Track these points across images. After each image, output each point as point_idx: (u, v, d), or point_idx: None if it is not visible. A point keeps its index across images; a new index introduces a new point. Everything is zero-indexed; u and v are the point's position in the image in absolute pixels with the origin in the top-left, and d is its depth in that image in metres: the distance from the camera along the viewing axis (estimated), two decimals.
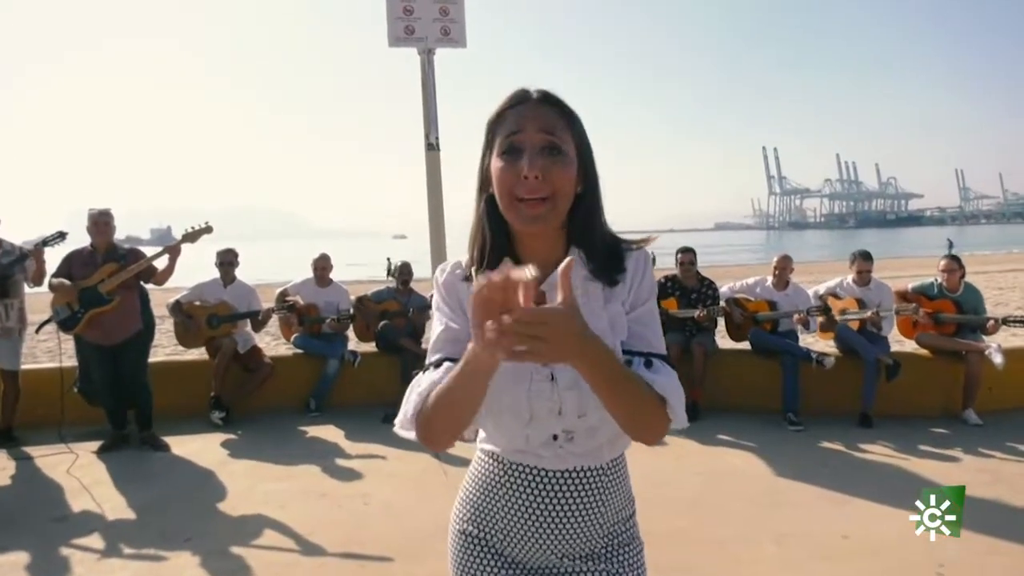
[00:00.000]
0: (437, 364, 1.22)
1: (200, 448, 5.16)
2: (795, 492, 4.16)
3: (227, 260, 6.11)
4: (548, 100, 1.18)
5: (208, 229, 5.24)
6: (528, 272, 0.88)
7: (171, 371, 6.14)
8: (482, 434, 1.32)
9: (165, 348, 9.78)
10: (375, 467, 4.72)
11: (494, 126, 1.19)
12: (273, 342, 9.93)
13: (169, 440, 5.20)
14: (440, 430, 1.15)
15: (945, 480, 4.25)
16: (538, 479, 1.24)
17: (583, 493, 1.25)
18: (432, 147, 7.69)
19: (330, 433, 5.50)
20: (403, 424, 1.19)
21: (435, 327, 1.27)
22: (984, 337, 5.55)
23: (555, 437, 1.21)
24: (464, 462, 4.82)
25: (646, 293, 1.24)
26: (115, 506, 4.11)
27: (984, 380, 5.41)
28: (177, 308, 5.96)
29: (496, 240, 1.21)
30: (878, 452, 4.85)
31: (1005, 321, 5.42)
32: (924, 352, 5.82)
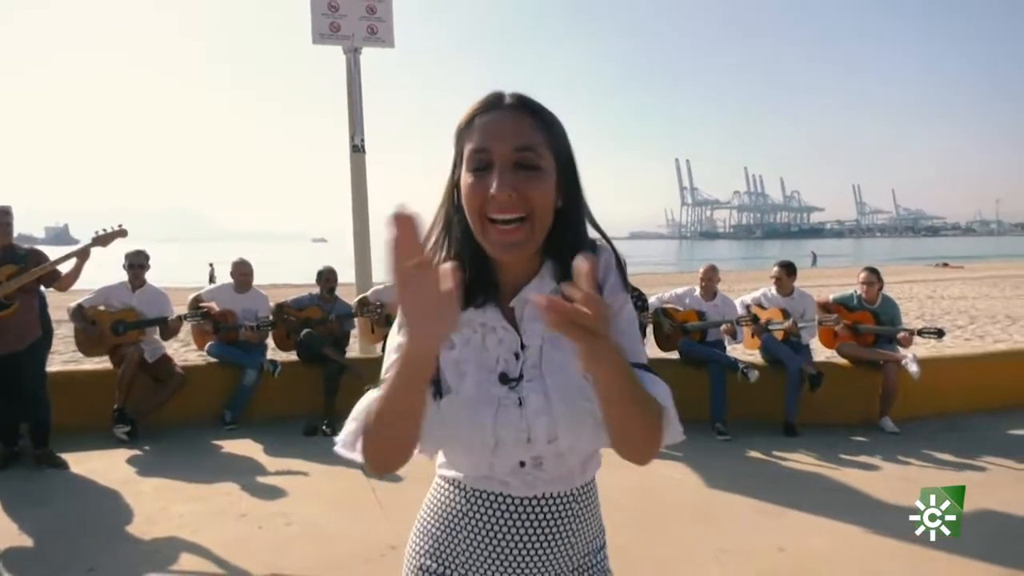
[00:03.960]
0: None
1: (103, 466, 4.76)
2: (729, 505, 4.16)
3: (137, 263, 5.69)
4: (523, 106, 1.05)
5: (122, 232, 4.88)
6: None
7: (69, 381, 5.67)
8: (441, 458, 1.20)
9: (62, 355, 9.14)
10: (297, 484, 4.46)
11: (463, 135, 1.06)
12: (182, 348, 9.42)
13: (67, 457, 4.77)
14: (381, 446, 1.02)
15: (871, 490, 4.34)
16: (504, 507, 1.13)
17: (553, 521, 1.14)
18: (357, 149, 7.45)
19: (248, 448, 5.18)
20: (345, 444, 1.06)
21: (393, 340, 1.12)
22: (900, 348, 5.75)
23: (522, 464, 1.11)
24: (394, 478, 4.56)
25: (618, 298, 1.12)
26: (5, 533, 3.71)
27: (900, 389, 5.59)
28: (79, 313, 5.50)
29: (476, 259, 1.09)
30: (804, 461, 4.94)
31: (920, 332, 5.63)
32: (843, 362, 5.99)
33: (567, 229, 1.09)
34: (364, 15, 7.35)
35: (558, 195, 1.07)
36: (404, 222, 0.81)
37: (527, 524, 1.13)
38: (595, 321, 0.82)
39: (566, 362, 1.06)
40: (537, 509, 1.13)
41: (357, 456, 1.05)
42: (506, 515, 1.13)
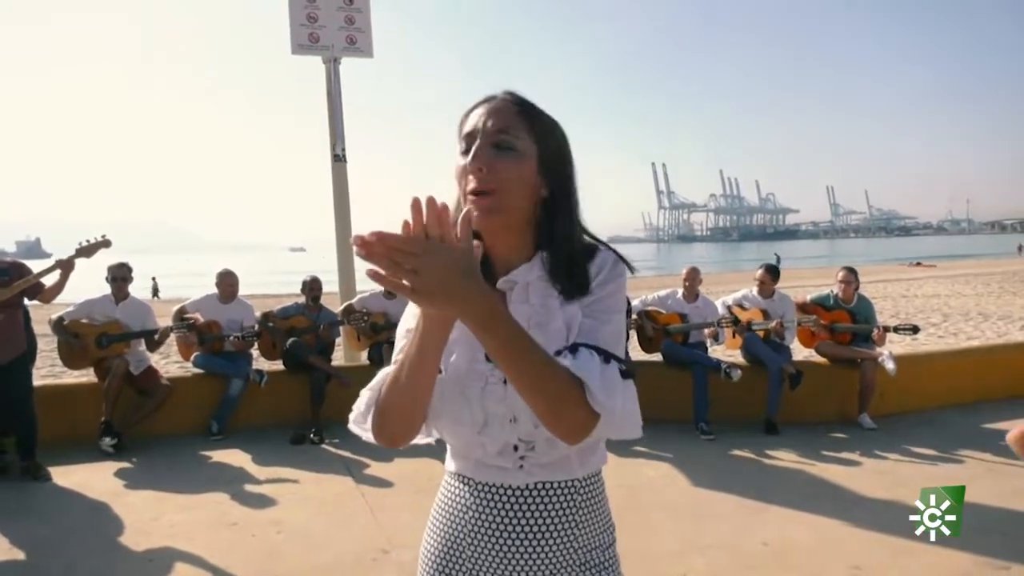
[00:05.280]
0: None
1: (89, 478, 4.75)
2: (714, 502, 4.25)
3: (120, 275, 5.67)
4: (511, 98, 1.15)
5: (106, 243, 4.83)
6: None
7: (54, 395, 5.64)
8: (448, 453, 1.26)
9: (39, 369, 9.06)
10: (287, 491, 4.47)
11: (459, 127, 1.17)
12: (163, 360, 9.36)
13: (53, 470, 4.76)
14: (393, 413, 1.10)
15: (850, 485, 4.45)
16: (505, 497, 1.18)
17: (554, 511, 1.18)
18: (338, 159, 7.48)
19: (236, 458, 5.19)
20: (357, 417, 1.15)
21: (403, 325, 1.20)
22: (877, 345, 5.88)
23: (515, 448, 1.16)
24: (383, 483, 4.65)
25: (605, 287, 1.16)
26: None
27: (878, 386, 5.73)
28: (60, 326, 5.48)
29: None
30: (785, 458, 5.04)
31: (896, 329, 5.77)
32: (822, 360, 6.12)
33: (555, 219, 1.15)
34: (343, 26, 7.41)
35: (542, 183, 1.13)
36: (433, 207, 0.88)
37: (528, 514, 1.17)
38: (414, 263, 0.86)
39: (548, 344, 1.08)
40: (537, 498, 1.18)
41: (367, 432, 1.13)
42: (507, 505, 1.18)
